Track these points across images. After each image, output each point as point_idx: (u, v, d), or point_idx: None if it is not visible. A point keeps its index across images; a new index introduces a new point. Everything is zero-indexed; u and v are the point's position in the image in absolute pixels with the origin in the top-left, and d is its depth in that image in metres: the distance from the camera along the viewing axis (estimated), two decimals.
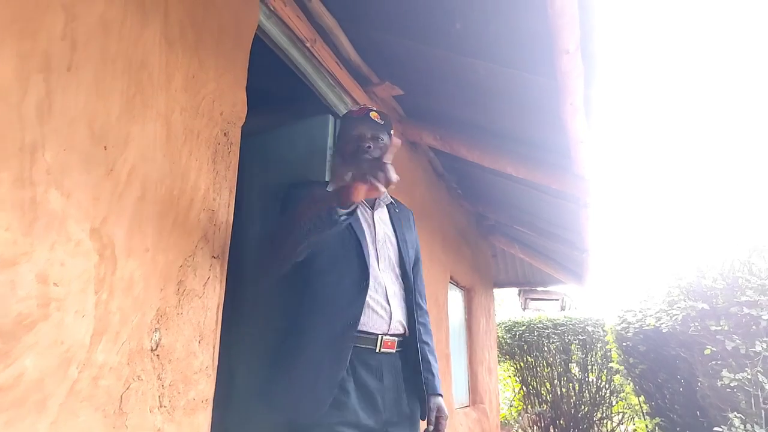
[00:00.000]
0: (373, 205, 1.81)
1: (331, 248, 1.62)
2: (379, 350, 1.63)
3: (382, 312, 1.64)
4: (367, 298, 1.60)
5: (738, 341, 2.48)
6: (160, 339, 1.24)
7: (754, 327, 2.47)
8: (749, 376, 2.37)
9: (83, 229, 1.05)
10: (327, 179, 2.42)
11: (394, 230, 1.82)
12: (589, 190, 2.95)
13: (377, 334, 1.63)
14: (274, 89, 3.34)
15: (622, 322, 4.36)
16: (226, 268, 1.59)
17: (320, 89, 2.43)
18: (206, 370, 1.42)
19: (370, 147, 1.73)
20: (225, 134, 1.54)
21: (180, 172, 1.31)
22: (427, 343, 1.84)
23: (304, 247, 1.43)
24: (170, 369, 1.27)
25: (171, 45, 1.32)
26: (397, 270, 1.76)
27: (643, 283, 4.06)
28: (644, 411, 4.73)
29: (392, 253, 1.76)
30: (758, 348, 2.37)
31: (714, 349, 2.67)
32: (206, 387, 1.42)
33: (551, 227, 4.69)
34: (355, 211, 1.38)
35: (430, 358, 1.81)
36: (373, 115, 1.76)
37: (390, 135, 1.83)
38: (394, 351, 1.69)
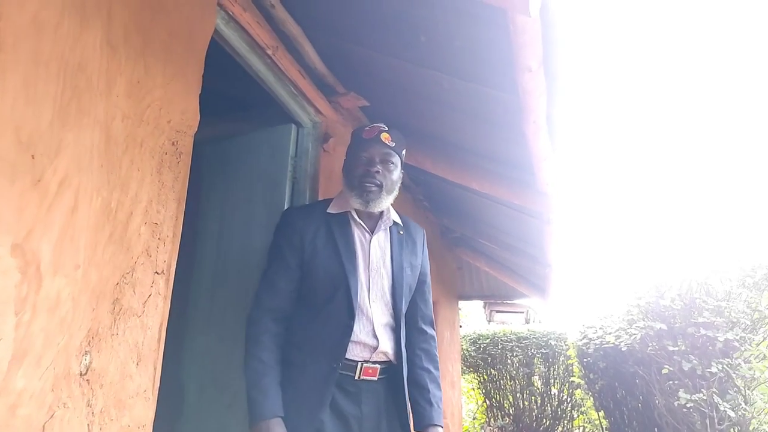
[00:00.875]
0: (373, 229, 1.76)
1: (321, 281, 1.63)
2: (359, 377, 1.61)
3: (367, 344, 1.63)
4: (353, 335, 1.60)
5: (695, 362, 2.50)
6: (90, 362, 1.15)
7: (710, 348, 2.50)
8: (705, 397, 2.39)
9: (3, 244, 0.97)
10: (287, 188, 2.36)
11: (392, 256, 1.77)
12: (552, 206, 2.96)
13: (357, 362, 1.62)
14: (237, 94, 3.26)
15: (583, 338, 4.40)
16: (171, 283, 1.51)
17: (282, 98, 2.37)
18: (144, 393, 1.34)
19: (378, 172, 1.71)
20: (173, 143, 1.46)
21: (119, 182, 1.24)
22: (428, 371, 1.79)
23: None
24: (102, 394, 1.18)
25: (114, 49, 1.24)
26: (389, 299, 1.72)
27: (603, 300, 4.10)
28: (603, 426, 4.77)
29: (385, 282, 1.72)
30: (714, 369, 2.39)
31: (671, 368, 2.69)
32: (143, 411, 1.33)
33: (515, 241, 4.70)
34: None
35: (431, 386, 1.77)
36: (384, 137, 1.74)
37: (401, 157, 1.81)
38: (375, 378, 1.65)
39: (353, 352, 1.59)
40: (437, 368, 1.81)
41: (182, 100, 1.51)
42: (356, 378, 1.59)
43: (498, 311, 10.33)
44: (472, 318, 11.02)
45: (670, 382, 2.71)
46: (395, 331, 1.70)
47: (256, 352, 1.52)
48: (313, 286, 1.62)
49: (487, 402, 7.18)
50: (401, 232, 1.84)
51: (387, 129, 1.77)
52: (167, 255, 1.45)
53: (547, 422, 6.75)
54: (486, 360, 7.08)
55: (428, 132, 3.19)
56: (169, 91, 1.44)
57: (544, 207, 3.03)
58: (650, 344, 2.77)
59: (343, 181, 1.78)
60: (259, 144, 2.64)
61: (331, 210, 1.74)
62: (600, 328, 3.73)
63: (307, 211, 1.75)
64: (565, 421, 6.72)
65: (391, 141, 1.76)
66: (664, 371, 2.74)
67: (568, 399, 6.68)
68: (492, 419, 7.09)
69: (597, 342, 3.88)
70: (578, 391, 6.17)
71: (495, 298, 7.05)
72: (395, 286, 1.72)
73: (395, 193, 1.80)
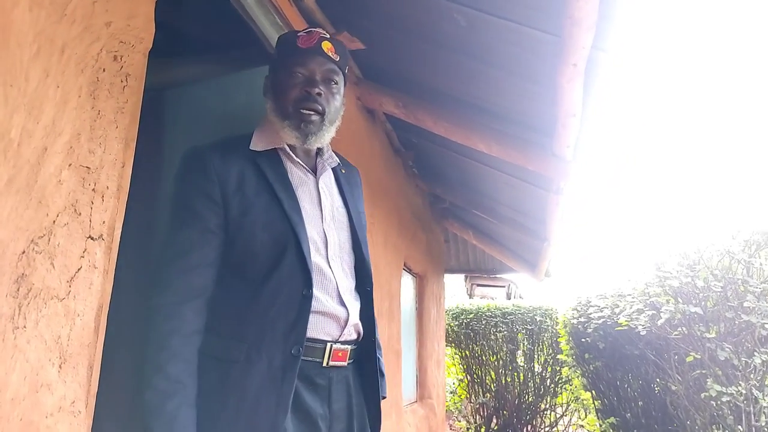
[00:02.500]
0: (315, 169, 1.36)
1: (260, 243, 1.18)
2: (328, 363, 1.22)
3: (335, 315, 1.22)
4: (314, 305, 1.18)
5: (730, 351, 2.22)
6: None
7: (750, 336, 2.22)
8: (743, 391, 2.12)
9: None
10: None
11: (344, 201, 1.39)
12: (569, 173, 2.61)
13: (325, 342, 1.21)
14: (211, 35, 2.80)
15: (580, 317, 4.13)
16: (115, 253, 1.11)
17: (264, 28, 1.95)
18: (72, 406, 0.95)
19: (320, 94, 1.27)
20: (115, 58, 1.05)
21: (24, 101, 0.82)
22: (379, 347, 1.43)
23: None
24: None
25: None
26: (350, 255, 1.34)
27: (609, 278, 3.82)
28: (596, 407, 4.56)
29: (344, 234, 1.34)
30: (758, 360, 2.12)
31: (698, 356, 2.42)
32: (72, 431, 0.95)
33: (512, 213, 4.38)
34: None
35: (378, 353, 1.41)
36: (326, 46, 1.29)
37: (345, 76, 1.39)
38: (345, 363, 1.27)
39: (318, 329, 1.19)
40: (377, 335, 1.42)
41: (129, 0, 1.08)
42: (324, 364, 1.20)
43: (479, 284, 10.12)
44: (452, 292, 10.80)
45: (697, 371, 2.44)
46: (362, 295, 1.33)
47: (161, 363, 1.08)
48: (249, 250, 1.17)
49: (468, 378, 6.96)
50: (344, 171, 1.45)
51: (329, 36, 1.33)
52: (107, 214, 1.05)
53: (530, 399, 6.57)
54: (468, 335, 6.82)
55: (432, 84, 2.79)
56: None
57: (558, 173, 2.68)
58: (679, 329, 2.49)
59: (269, 107, 1.32)
60: (234, 89, 2.20)
61: (255, 147, 1.28)
62: (606, 308, 3.45)
63: (223, 149, 1.24)
64: (548, 398, 6.55)
65: (335, 53, 1.31)
66: (689, 359, 2.47)
67: (552, 376, 6.50)
68: (473, 395, 6.89)
69: (598, 322, 3.61)
70: (565, 369, 5.98)
71: (481, 272, 6.80)
72: (355, 239, 1.35)
73: (337, 124, 1.38)
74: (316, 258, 1.22)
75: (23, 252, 0.82)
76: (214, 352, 1.14)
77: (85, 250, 0.98)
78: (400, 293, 3.57)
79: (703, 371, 2.42)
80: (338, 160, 1.42)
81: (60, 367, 0.92)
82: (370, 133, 3.05)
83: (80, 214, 0.95)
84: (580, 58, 1.72)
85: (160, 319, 1.11)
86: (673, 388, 2.94)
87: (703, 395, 2.37)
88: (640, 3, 1.55)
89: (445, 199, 4.99)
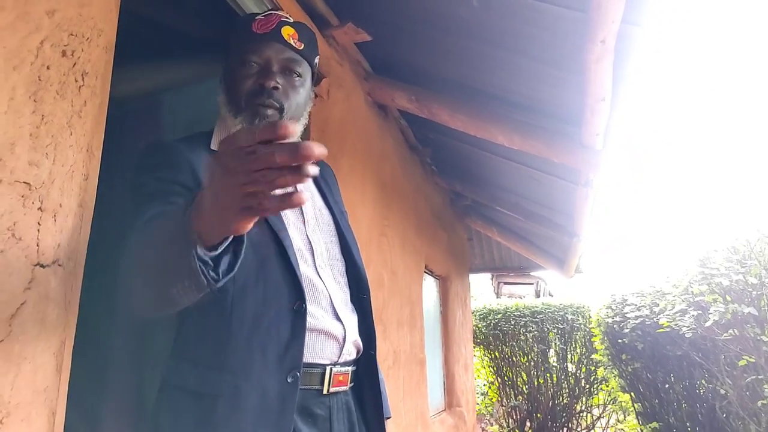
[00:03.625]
0: None
1: (247, 255, 0.99)
2: (328, 390, 1.04)
3: (331, 333, 1.05)
4: (309, 321, 1.00)
5: None
6: None
7: None
8: None
9: None
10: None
11: (326, 201, 1.22)
12: (599, 163, 2.39)
13: (324, 366, 1.03)
14: (209, 35, 2.66)
15: (615, 315, 3.89)
16: (77, 282, 0.96)
17: None
18: None
19: (277, 88, 1.07)
20: (64, 53, 0.89)
21: None
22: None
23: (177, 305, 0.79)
24: None
25: None
26: (340, 261, 1.17)
27: (646, 274, 3.58)
28: (636, 410, 4.31)
29: (330, 238, 1.17)
30: None
31: (752, 360, 2.19)
32: None
33: (538, 208, 4.16)
34: (240, 250, 0.77)
35: (383, 382, 1.23)
36: (286, 32, 1.09)
37: (314, 67, 1.19)
38: (347, 388, 1.10)
39: (314, 352, 1.02)
40: (375, 345, 1.22)
41: None
42: (325, 392, 1.02)
43: (506, 283, 9.86)
44: (479, 293, 10.56)
45: (753, 376, 2.21)
46: (359, 306, 1.16)
47: (142, 237, 0.83)
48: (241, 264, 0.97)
49: (499, 380, 6.74)
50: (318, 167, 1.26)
51: (291, 20, 1.13)
52: (64, 236, 0.90)
53: (564, 400, 6.32)
54: (497, 336, 6.60)
55: (446, 75, 2.61)
56: None
57: (586, 164, 2.47)
58: (729, 330, 2.26)
59: (221, 100, 1.13)
60: None
61: (215, 146, 1.09)
62: (644, 307, 3.21)
63: (191, 145, 1.06)
64: (584, 399, 6.29)
65: (299, 40, 1.12)
66: (742, 362, 2.24)
67: (587, 376, 6.24)
68: (504, 398, 6.66)
69: (636, 322, 3.37)
70: (600, 369, 5.72)
71: (507, 270, 6.58)
72: (343, 242, 1.18)
73: (303, 121, 1.17)
74: (302, 267, 1.04)
75: None
76: (190, 385, 0.95)
77: (32, 280, 0.83)
78: (422, 298, 3.39)
79: (759, 376, 2.19)
80: None
81: (0, 423, 0.77)
82: (383, 130, 2.88)
83: (20, 239, 0.80)
84: (610, 33, 1.52)
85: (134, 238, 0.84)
86: (722, 392, 2.70)
87: (760, 403, 2.14)
88: None
89: (466, 196, 4.79)
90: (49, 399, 0.89)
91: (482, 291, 10.39)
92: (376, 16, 2.22)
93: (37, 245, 0.84)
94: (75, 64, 0.92)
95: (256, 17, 1.11)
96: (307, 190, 1.19)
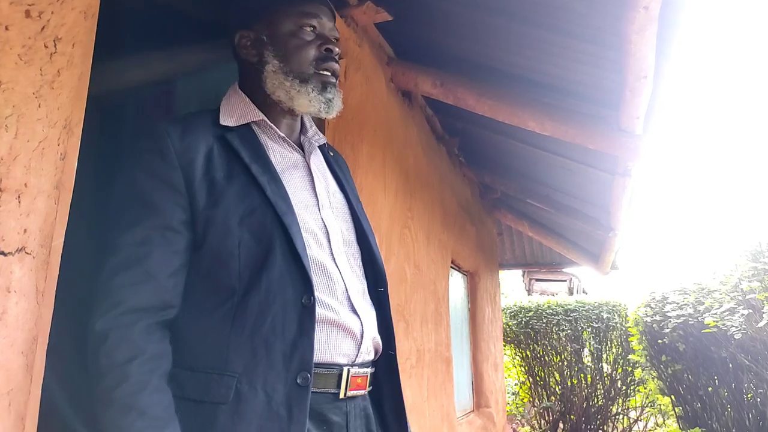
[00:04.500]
0: (301, 145, 1.09)
1: (243, 241, 0.90)
2: (345, 394, 0.92)
3: (348, 327, 0.94)
4: (319, 313, 0.89)
5: None
6: None
7: None
8: None
9: None
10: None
11: (340, 185, 1.12)
12: (639, 149, 2.21)
13: (341, 367, 0.92)
14: (221, 19, 2.58)
15: (655, 314, 3.69)
16: (53, 271, 0.87)
17: None
18: None
19: (339, 55, 1.08)
20: (28, 14, 0.80)
21: None
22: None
23: None
24: None
25: None
26: (357, 250, 1.06)
27: (689, 270, 3.36)
28: (677, 414, 4.10)
29: (346, 224, 1.06)
30: None
31: None
32: None
33: (571, 201, 3.98)
34: None
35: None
36: None
37: None
38: (365, 392, 0.98)
39: (330, 349, 0.92)
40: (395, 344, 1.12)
41: None
42: (342, 396, 0.92)
43: (538, 279, 9.61)
44: (510, 290, 10.32)
45: None
46: (378, 300, 1.06)
47: (126, 401, 0.80)
48: (224, 251, 0.90)
49: (530, 380, 6.54)
50: (332, 153, 1.18)
51: None
52: (31, 220, 0.80)
53: (599, 402, 6.09)
54: (528, 334, 6.40)
55: (472, 58, 2.46)
56: None
57: (625, 151, 2.28)
58: None
59: (270, 71, 1.03)
60: None
61: (226, 121, 1.01)
62: (688, 305, 3.01)
63: (184, 125, 0.97)
64: (620, 401, 6.05)
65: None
66: None
67: (623, 377, 5.99)
68: (536, 399, 6.46)
69: (677, 321, 3.17)
70: (638, 370, 5.48)
71: (539, 265, 6.38)
72: (360, 230, 1.08)
73: None
74: (317, 253, 0.94)
75: None
76: (189, 392, 0.86)
77: None
78: (448, 294, 3.25)
79: None
80: (324, 138, 1.15)
81: None
82: (406, 118, 2.74)
83: None
84: None
85: (108, 348, 0.82)
86: None
87: None
88: None
89: (495, 189, 4.62)
90: (15, 402, 0.79)
91: (513, 288, 10.16)
92: None
93: None
94: (44, 27, 0.83)
95: None
96: (320, 171, 1.09)
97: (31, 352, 0.83)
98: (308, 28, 1.04)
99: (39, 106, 0.83)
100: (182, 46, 2.26)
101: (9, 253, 0.77)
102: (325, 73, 1.04)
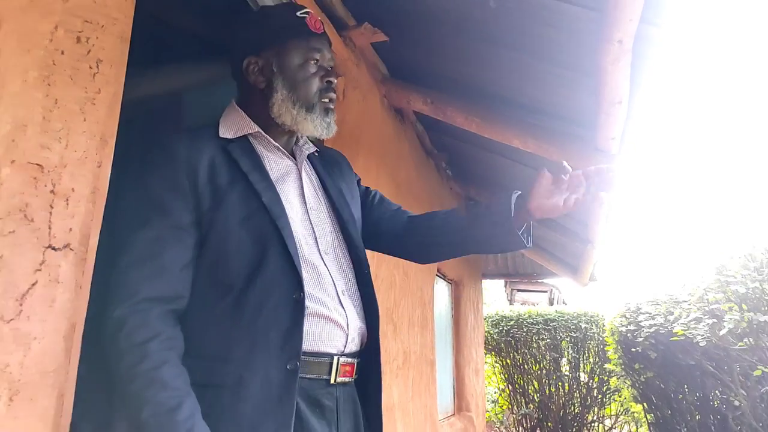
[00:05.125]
0: (293, 153, 1.21)
1: (237, 242, 1.02)
2: (335, 380, 1.05)
3: (335, 320, 1.06)
4: (308, 306, 1.01)
5: None
6: None
7: None
8: None
9: None
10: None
11: (324, 186, 1.23)
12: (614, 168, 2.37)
13: (331, 356, 1.04)
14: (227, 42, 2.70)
15: (629, 324, 3.85)
16: (90, 265, 0.98)
17: None
18: None
19: (335, 85, 1.21)
20: (78, 40, 0.91)
21: None
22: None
23: None
24: None
25: None
26: (343, 248, 1.18)
27: (661, 282, 3.53)
28: (648, 421, 4.25)
29: (332, 226, 1.18)
30: None
31: (767, 370, 2.15)
32: None
33: None
34: None
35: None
36: (328, 30, 1.21)
37: None
38: (352, 379, 1.11)
39: (321, 339, 1.03)
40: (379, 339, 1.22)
41: None
42: (332, 382, 1.04)
43: (520, 290, 9.79)
44: (491, 299, 10.49)
45: (766, 387, 2.17)
46: (363, 293, 1.17)
47: (149, 375, 0.89)
48: (226, 250, 1.02)
49: (510, 388, 6.69)
50: (317, 154, 1.28)
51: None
52: (75, 220, 0.92)
53: (576, 410, 6.26)
54: (509, 343, 6.55)
55: (462, 79, 2.61)
56: None
57: None
58: (744, 339, 2.22)
59: (281, 96, 1.15)
60: None
61: (225, 134, 1.13)
62: (658, 315, 3.17)
63: (190, 137, 1.10)
64: (596, 409, 6.22)
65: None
66: (757, 372, 2.20)
67: (599, 386, 6.17)
68: (515, 406, 6.61)
69: (650, 330, 3.33)
70: (613, 379, 5.64)
71: (521, 276, 6.54)
72: (345, 229, 1.19)
73: None
74: (307, 253, 1.07)
75: None
76: (196, 377, 0.96)
77: (43, 262, 0.84)
78: (433, 300, 3.38)
79: None
80: (314, 146, 1.27)
81: (10, 400, 0.79)
82: (399, 134, 2.88)
83: (32, 220, 0.82)
84: (627, 33, 1.51)
85: (128, 331, 0.92)
86: (736, 403, 2.65)
87: None
88: None
89: (480, 202, 4.78)
90: (57, 381, 0.90)
91: (495, 297, 10.33)
92: (392, 18, 2.23)
93: (49, 228, 0.86)
94: (89, 51, 0.94)
95: (299, 14, 1.17)
96: (309, 177, 1.21)
97: (70, 338, 0.94)
98: (313, 62, 1.16)
99: (83, 120, 0.94)
100: (191, 62, 2.38)
101: (58, 248, 0.88)
102: (327, 101, 1.17)
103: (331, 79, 1.18)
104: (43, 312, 0.85)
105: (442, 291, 4.10)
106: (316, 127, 1.15)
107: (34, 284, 0.83)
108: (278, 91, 1.15)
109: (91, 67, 0.95)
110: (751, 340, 2.19)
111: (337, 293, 1.08)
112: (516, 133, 2.50)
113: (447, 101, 2.63)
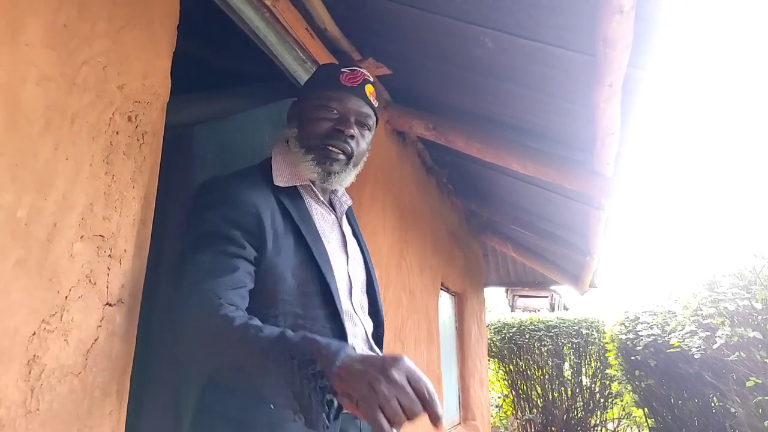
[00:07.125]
0: (333, 206, 1.30)
1: (291, 288, 1.08)
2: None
3: None
4: None
5: None
6: None
7: None
8: None
9: None
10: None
11: (358, 240, 1.34)
12: (611, 190, 2.49)
13: None
14: (239, 69, 2.81)
15: (628, 332, 3.96)
16: (136, 315, 1.09)
17: (287, 64, 1.92)
18: None
19: (353, 137, 1.20)
20: (130, 119, 1.03)
21: (33, 179, 0.80)
22: None
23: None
24: None
25: None
26: (365, 297, 1.29)
27: (657, 292, 3.64)
28: (650, 426, 4.36)
29: (362, 276, 1.28)
30: None
31: (759, 381, 2.26)
32: None
33: (553, 228, 4.25)
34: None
35: None
36: (369, 90, 1.22)
37: (377, 122, 1.34)
38: None
39: None
40: None
41: (143, 57, 1.06)
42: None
43: (521, 296, 9.89)
44: (493, 306, 10.58)
45: (759, 397, 2.28)
46: (378, 342, 1.28)
47: (242, 327, 0.88)
48: (275, 297, 1.05)
49: (513, 393, 6.79)
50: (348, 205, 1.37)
51: (372, 80, 1.25)
52: (126, 278, 1.03)
53: (579, 414, 6.35)
54: (512, 350, 6.66)
55: (462, 106, 2.72)
56: (120, 43, 1.00)
57: (598, 190, 2.56)
58: (737, 352, 2.33)
59: (291, 135, 1.22)
60: (260, 122, 2.20)
61: (279, 182, 1.17)
62: (656, 326, 3.28)
63: (250, 182, 1.13)
64: (599, 413, 6.32)
65: (375, 98, 1.25)
66: (750, 383, 2.30)
67: (602, 390, 6.27)
68: (519, 411, 6.70)
69: (649, 339, 3.44)
70: (615, 384, 5.75)
71: (522, 285, 6.63)
72: (369, 279, 1.29)
73: (359, 169, 1.30)
74: (346, 305, 1.16)
75: (33, 334, 0.80)
76: (231, 413, 1.03)
77: (103, 318, 0.95)
78: (438, 315, 3.49)
79: (767, 397, 2.26)
80: (351, 200, 1.37)
81: None
82: (401, 155, 3.00)
83: (95, 283, 0.93)
84: (616, 78, 1.63)
85: (190, 305, 0.93)
86: (733, 410, 2.76)
87: (767, 423, 2.20)
88: (679, 19, 1.45)
89: (481, 214, 4.89)
90: (113, 420, 1.01)
91: (497, 303, 10.42)
92: (395, 53, 2.34)
93: (107, 287, 0.97)
94: (137, 126, 1.06)
95: (343, 70, 1.23)
96: (347, 230, 1.30)
97: (123, 382, 1.05)
98: (328, 109, 1.19)
99: (133, 188, 1.05)
100: (202, 94, 2.48)
101: (114, 303, 1.00)
102: (330, 148, 1.17)
103: (341, 128, 1.17)
104: (103, 363, 0.96)
105: (445, 303, 4.21)
106: (309, 170, 1.18)
107: (96, 340, 0.94)
108: (291, 129, 1.25)
109: (138, 140, 1.06)
110: (742, 353, 2.31)
111: (368, 339, 1.19)
112: (516, 158, 2.61)
113: (448, 127, 2.74)
